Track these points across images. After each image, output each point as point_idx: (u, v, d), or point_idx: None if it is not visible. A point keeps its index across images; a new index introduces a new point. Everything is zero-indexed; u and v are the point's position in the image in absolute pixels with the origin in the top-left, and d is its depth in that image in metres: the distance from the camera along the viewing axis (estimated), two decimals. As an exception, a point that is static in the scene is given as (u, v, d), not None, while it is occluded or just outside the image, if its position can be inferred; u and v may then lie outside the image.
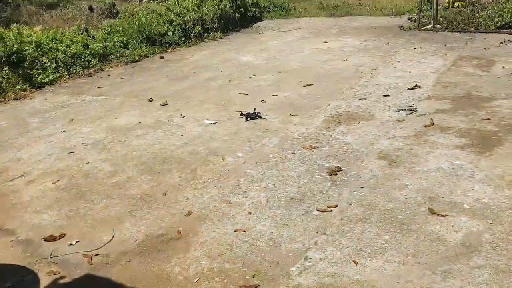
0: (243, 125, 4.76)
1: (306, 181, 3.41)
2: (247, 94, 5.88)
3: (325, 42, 8.97)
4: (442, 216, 2.78)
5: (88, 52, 8.29)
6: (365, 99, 5.28)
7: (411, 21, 10.41)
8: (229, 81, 6.68)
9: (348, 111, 4.90)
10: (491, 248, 2.46)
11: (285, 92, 5.81)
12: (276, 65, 7.41)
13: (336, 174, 3.45)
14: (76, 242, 2.96)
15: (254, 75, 6.85)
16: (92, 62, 8.15)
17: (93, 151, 4.38)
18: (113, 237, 2.98)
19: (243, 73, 7.09)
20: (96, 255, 2.76)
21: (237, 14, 11.77)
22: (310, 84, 6.06)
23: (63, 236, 3.04)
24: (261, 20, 12.74)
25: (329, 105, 5.17)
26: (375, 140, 4.05)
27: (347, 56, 7.63)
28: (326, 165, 3.64)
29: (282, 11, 13.55)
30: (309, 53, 8.11)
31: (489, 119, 4.35)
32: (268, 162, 3.79)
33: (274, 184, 3.41)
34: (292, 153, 3.93)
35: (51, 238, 3.05)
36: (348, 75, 6.42)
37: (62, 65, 7.75)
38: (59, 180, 3.86)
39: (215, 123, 4.88)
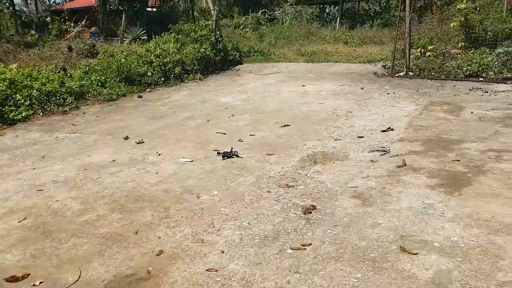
0: (219, 163, 4.79)
1: (280, 219, 3.42)
2: (225, 134, 5.96)
3: (303, 85, 9.29)
4: (413, 254, 2.83)
5: (64, 90, 8.33)
6: (340, 140, 5.43)
7: (385, 68, 10.94)
8: (207, 120, 6.77)
9: (324, 151, 5.02)
10: (460, 286, 2.50)
11: (262, 132, 5.92)
12: (254, 106, 7.59)
13: (311, 213, 3.48)
14: (40, 283, 2.85)
15: (232, 115, 6.98)
16: (68, 100, 8.17)
17: (63, 189, 4.30)
18: (79, 277, 2.89)
19: (222, 113, 7.22)
20: (60, 296, 2.66)
21: (217, 58, 12.14)
22: (287, 125, 6.20)
23: (27, 277, 2.92)
24: (241, 64, 13.13)
25: (305, 145, 5.29)
26: (349, 180, 4.14)
27: (324, 99, 7.89)
28: (301, 203, 3.68)
29: (261, 56, 14.04)
30: (287, 96, 8.36)
31: (458, 160, 4.53)
32: (244, 200, 3.81)
33: (248, 223, 3.41)
34: (267, 192, 3.96)
35: (13, 279, 2.93)
36: (324, 117, 6.62)
37: (36, 103, 7.74)
38: (25, 218, 3.75)
39: (192, 161, 4.90)
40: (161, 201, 3.91)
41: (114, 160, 5.08)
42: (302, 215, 3.47)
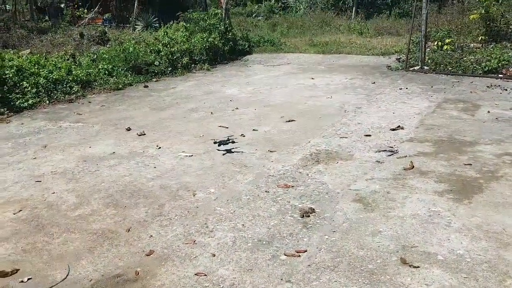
0: (219, 158, 4.69)
1: (276, 222, 3.30)
2: (227, 127, 5.84)
3: (312, 78, 9.09)
4: (414, 267, 2.68)
5: (71, 78, 8.28)
6: (346, 138, 5.27)
7: (399, 62, 10.64)
8: (211, 113, 6.66)
9: (328, 150, 4.87)
10: (462, 304, 2.36)
11: (265, 127, 5.79)
12: (260, 99, 7.45)
13: (309, 216, 3.35)
14: (28, 279, 2.80)
15: (236, 108, 6.86)
16: (74, 89, 8.12)
17: (61, 181, 4.25)
18: (67, 275, 2.83)
19: (226, 105, 7.10)
20: (45, 295, 2.59)
21: (226, 47, 11.97)
22: (292, 120, 6.06)
23: (16, 272, 2.87)
24: (250, 54, 12.95)
25: (309, 142, 5.14)
26: (352, 182, 3.99)
27: (332, 93, 7.70)
28: (299, 205, 3.55)
29: (272, 46, 13.82)
30: (295, 89, 8.19)
31: (470, 164, 4.33)
32: (240, 200, 3.70)
33: (243, 224, 3.30)
34: (265, 191, 3.84)
35: (2, 274, 2.88)
36: (332, 113, 6.45)
37: (43, 90, 7.71)
38: (20, 210, 3.71)
39: (191, 156, 4.80)
40: (156, 197, 3.82)
41: (114, 152, 5.01)
42: (300, 218, 3.34)
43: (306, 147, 4.96)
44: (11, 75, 7.54)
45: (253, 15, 21.62)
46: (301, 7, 21.77)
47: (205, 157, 4.77)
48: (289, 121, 6.04)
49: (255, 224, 3.28)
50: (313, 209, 3.45)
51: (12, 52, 10.22)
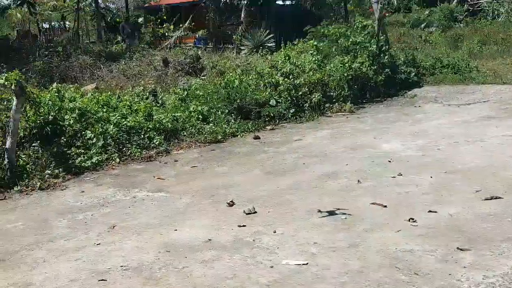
0: (372, 258, 4.59)
1: None
2: (385, 206, 5.78)
3: (526, 126, 8.65)
4: None
5: (151, 126, 9.02)
6: None
7: None
8: (358, 181, 6.67)
9: None
10: None
11: (450, 207, 5.61)
12: (438, 160, 7.31)
13: None
14: None
15: (400, 175, 6.78)
16: (155, 140, 8.83)
17: (133, 281, 4.51)
18: None
19: (383, 169, 7.09)
20: None
21: (379, 77, 12.03)
22: (496, 197, 5.79)
23: None
24: (419, 86, 12.87)
25: (528, 236, 4.79)
26: None
27: None
28: None
29: (454, 73, 13.60)
30: (497, 144, 7.90)
31: None
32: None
33: None
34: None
35: None
36: None
37: (113, 144, 8.50)
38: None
39: (328, 251, 4.78)
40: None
41: (210, 240, 5.22)
42: None
43: (525, 244, 4.63)
44: (71, 121, 8.48)
45: (422, 25, 21.63)
46: (501, 10, 21.25)
47: (350, 253, 4.71)
48: (490, 198, 5.77)
49: None
50: None
51: (72, 87, 11.42)
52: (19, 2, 23.13)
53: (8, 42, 20.75)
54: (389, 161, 7.39)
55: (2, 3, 29.21)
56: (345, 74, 11.47)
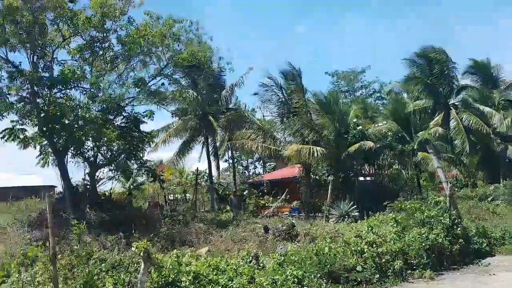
0: None
1: None
2: None
3: None
4: None
5: (253, 288, 8.84)
6: None
7: None
8: None
9: None
10: None
11: None
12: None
13: None
14: None
15: None
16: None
17: None
18: None
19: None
20: None
21: (454, 247, 11.51)
22: None
23: None
24: (492, 255, 12.17)
25: None
26: None
27: None
28: None
29: (523, 243, 12.72)
30: None
31: None
32: None
33: None
34: None
35: None
36: None
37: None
38: None
39: None
40: None
41: None
42: None
43: None
44: (187, 283, 8.47)
45: (488, 199, 20.91)
46: None
47: None
48: None
49: None
50: None
51: (189, 250, 11.68)
52: (151, 179, 24.82)
53: (141, 212, 21.86)
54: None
55: (139, 180, 31.69)
56: (423, 244, 11.05)
